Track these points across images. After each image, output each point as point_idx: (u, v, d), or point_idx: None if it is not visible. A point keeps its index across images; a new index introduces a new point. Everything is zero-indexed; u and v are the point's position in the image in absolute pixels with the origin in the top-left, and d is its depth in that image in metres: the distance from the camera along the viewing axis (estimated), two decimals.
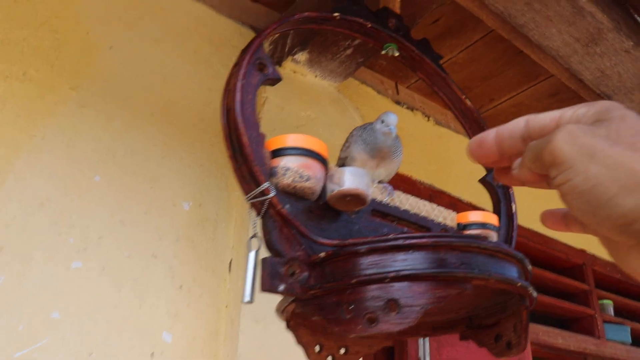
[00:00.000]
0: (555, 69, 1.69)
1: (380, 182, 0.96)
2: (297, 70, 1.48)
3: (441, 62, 1.12)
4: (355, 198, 0.77)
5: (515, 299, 0.77)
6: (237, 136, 0.73)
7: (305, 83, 1.49)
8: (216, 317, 1.21)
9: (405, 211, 0.91)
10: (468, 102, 1.13)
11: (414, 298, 0.65)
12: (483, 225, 0.99)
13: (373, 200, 0.87)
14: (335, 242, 0.71)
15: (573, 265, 2.32)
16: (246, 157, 0.72)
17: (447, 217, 0.98)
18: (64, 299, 1.04)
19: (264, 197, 0.72)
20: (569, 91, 1.81)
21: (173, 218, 1.23)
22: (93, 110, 1.19)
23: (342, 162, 0.99)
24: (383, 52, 1.05)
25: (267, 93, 1.40)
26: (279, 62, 1.47)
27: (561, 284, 2.21)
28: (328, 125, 1.50)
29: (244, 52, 0.80)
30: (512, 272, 0.71)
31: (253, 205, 0.74)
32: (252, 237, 0.73)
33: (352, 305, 0.68)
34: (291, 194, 0.75)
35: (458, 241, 0.68)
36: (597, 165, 0.32)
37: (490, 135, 0.41)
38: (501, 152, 0.41)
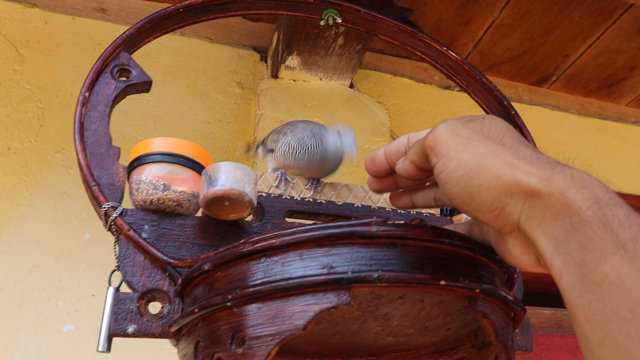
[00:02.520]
0: None
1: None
2: (296, 77, 1.33)
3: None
4: (234, 201, 0.59)
5: (463, 305, 0.52)
6: (77, 157, 0.61)
7: (310, 89, 1.34)
8: None
9: (347, 205, 0.70)
10: (453, 54, 0.88)
11: (263, 326, 0.46)
12: None
13: (288, 199, 0.68)
14: (188, 261, 0.55)
15: None
16: (83, 178, 0.60)
17: None
18: None
19: (109, 220, 0.58)
20: None
21: None
22: None
23: (263, 149, 0.81)
24: (322, 22, 0.86)
25: (263, 109, 1.27)
26: (276, 75, 1.34)
27: None
28: None
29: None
30: (428, 267, 0.47)
31: (111, 232, 0.61)
32: (113, 270, 0.60)
33: (203, 343, 0.50)
34: (153, 210, 0.61)
35: (329, 232, 0.47)
36: (471, 153, 0.36)
37: (380, 152, 0.47)
38: (391, 165, 0.47)
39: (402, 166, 0.44)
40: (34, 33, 1.29)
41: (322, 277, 0.45)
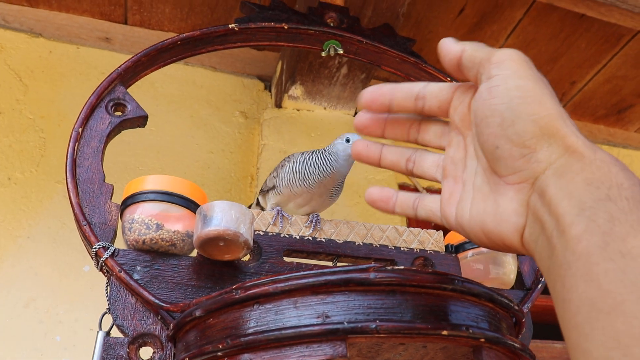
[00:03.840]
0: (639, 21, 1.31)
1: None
2: (300, 107, 1.32)
3: None
4: (229, 242, 0.57)
5: (468, 351, 0.49)
6: (68, 195, 0.60)
7: (314, 119, 1.32)
8: None
9: (348, 243, 0.67)
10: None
11: None
12: None
13: (287, 237, 0.66)
14: (180, 305, 0.52)
15: None
16: (75, 217, 0.58)
17: (427, 239, 0.71)
18: None
19: (100, 261, 0.56)
20: None
21: None
22: None
23: (264, 191, 0.79)
24: (323, 53, 0.85)
25: (266, 140, 1.26)
26: (279, 105, 1.33)
27: None
28: None
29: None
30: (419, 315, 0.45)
31: (102, 273, 0.59)
32: (104, 313, 0.58)
33: None
34: (146, 250, 0.59)
35: (325, 279, 0.44)
36: (538, 85, 0.35)
37: (387, 85, 0.42)
38: (391, 102, 0.42)
39: (448, 47, 0.39)
40: (39, 63, 1.30)
41: (316, 328, 0.43)
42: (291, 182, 0.73)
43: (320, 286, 0.44)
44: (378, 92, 0.42)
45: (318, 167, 0.73)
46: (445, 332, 0.44)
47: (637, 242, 0.28)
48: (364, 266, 0.45)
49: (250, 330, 0.45)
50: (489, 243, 0.38)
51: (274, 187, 0.75)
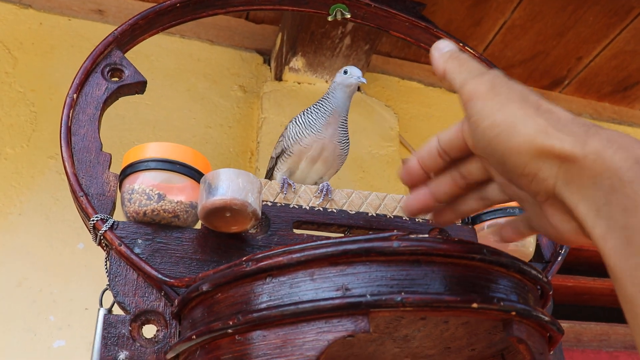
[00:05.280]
0: None
1: (318, 182, 0.71)
2: (301, 79, 1.28)
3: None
4: (236, 212, 0.53)
5: (498, 329, 0.46)
6: (63, 164, 0.56)
7: (315, 92, 1.28)
8: None
9: (361, 214, 0.64)
10: (470, 51, 0.83)
11: (269, 357, 0.40)
12: (504, 211, 0.68)
13: (296, 208, 0.62)
14: (185, 280, 0.49)
15: None
16: (71, 187, 0.54)
17: None
18: None
19: (98, 234, 0.53)
20: None
21: None
22: None
23: (274, 163, 0.76)
24: (329, 18, 0.81)
25: (266, 113, 1.22)
26: (280, 78, 1.28)
27: None
28: (353, 132, 1.26)
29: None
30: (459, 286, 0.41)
31: (101, 247, 0.55)
32: (104, 290, 0.54)
33: None
34: (147, 222, 0.55)
35: (344, 248, 0.41)
36: (505, 114, 0.34)
37: (413, 161, 0.43)
38: (426, 172, 0.42)
39: (434, 61, 0.40)
40: (28, 34, 1.24)
41: (336, 301, 0.39)
42: (298, 134, 0.73)
43: (339, 256, 0.41)
44: (410, 172, 0.42)
45: (319, 109, 0.75)
46: (475, 305, 0.40)
47: None
48: (386, 234, 0.41)
49: (263, 305, 0.41)
50: (573, 244, 0.38)
51: (283, 152, 0.73)
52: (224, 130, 1.26)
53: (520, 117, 0.34)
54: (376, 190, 1.23)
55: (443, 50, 0.41)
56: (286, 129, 0.77)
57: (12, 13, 1.25)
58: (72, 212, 1.06)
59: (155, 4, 0.70)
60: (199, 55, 1.34)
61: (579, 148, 0.31)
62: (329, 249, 0.41)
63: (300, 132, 0.74)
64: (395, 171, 1.25)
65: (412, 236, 0.42)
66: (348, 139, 0.78)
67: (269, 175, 0.81)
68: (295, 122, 0.76)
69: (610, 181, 0.30)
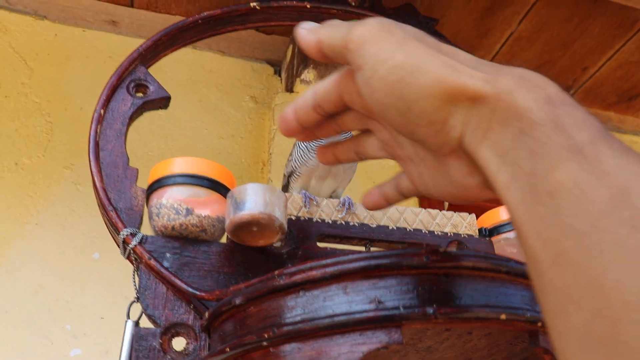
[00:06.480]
0: None
1: (332, 195, 0.72)
2: None
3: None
4: (263, 227, 0.55)
5: (524, 340, 0.47)
6: (92, 179, 0.57)
7: None
8: None
9: (381, 227, 0.65)
10: None
11: None
12: None
13: (319, 222, 0.63)
14: (215, 293, 0.50)
15: None
16: (99, 202, 0.56)
17: (460, 223, 0.69)
18: None
19: (128, 248, 0.54)
20: None
21: None
22: (89, 185, 1.13)
23: (287, 181, 0.77)
24: None
25: (278, 124, 1.23)
26: (291, 89, 1.30)
27: None
28: None
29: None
30: (500, 297, 0.43)
31: (130, 261, 0.57)
32: (132, 302, 0.55)
33: None
34: (175, 237, 0.56)
35: (378, 262, 0.42)
36: (407, 53, 0.30)
37: (289, 113, 0.39)
38: (301, 124, 0.39)
39: (303, 39, 0.35)
40: (44, 45, 1.26)
41: (370, 314, 0.41)
42: (303, 157, 0.73)
43: (372, 270, 0.42)
44: (287, 124, 0.39)
45: None
46: (503, 317, 0.42)
47: (563, 176, 0.24)
48: (417, 249, 0.43)
49: (298, 318, 0.43)
50: (476, 200, 0.34)
51: (292, 173, 0.74)
52: (235, 141, 1.28)
53: (424, 56, 0.30)
54: None
55: (309, 26, 0.36)
56: (292, 151, 0.77)
57: (28, 24, 1.27)
58: (87, 222, 1.08)
59: (179, 21, 0.72)
60: (211, 66, 1.36)
61: (490, 87, 0.28)
62: (362, 263, 0.42)
63: (305, 154, 0.74)
64: None
65: (442, 250, 0.43)
66: None
67: (285, 191, 0.83)
68: (299, 145, 0.75)
69: (520, 123, 0.27)
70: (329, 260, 0.43)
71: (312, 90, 0.37)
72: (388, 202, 0.40)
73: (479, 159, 0.29)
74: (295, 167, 0.74)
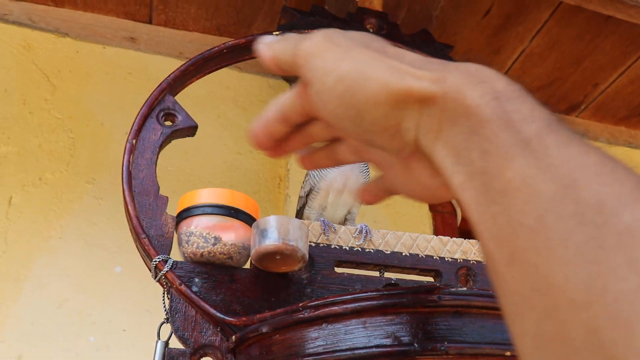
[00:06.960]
0: None
1: (347, 217, 0.75)
2: None
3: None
4: (286, 256, 0.58)
5: None
6: (125, 207, 0.60)
7: None
8: None
9: (395, 254, 0.68)
10: None
11: None
12: None
13: (337, 249, 0.66)
14: (243, 319, 0.53)
15: None
16: (133, 229, 0.59)
17: (469, 250, 0.72)
18: None
19: (159, 274, 0.57)
20: None
21: None
22: (110, 200, 1.17)
23: (303, 203, 0.80)
24: None
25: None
26: None
27: None
28: None
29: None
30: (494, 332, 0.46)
31: (160, 284, 0.60)
32: (162, 323, 0.59)
33: None
34: (203, 263, 0.60)
35: (395, 301, 0.45)
36: (351, 62, 0.30)
37: (257, 124, 0.40)
38: (270, 136, 0.39)
39: (261, 54, 0.36)
40: (65, 62, 1.30)
41: (388, 349, 0.44)
42: (322, 172, 0.76)
43: (390, 307, 0.45)
44: (256, 134, 0.39)
45: None
46: (508, 353, 0.45)
47: (511, 173, 0.24)
48: (431, 288, 0.46)
49: (320, 349, 0.46)
50: (444, 199, 0.35)
51: (311, 190, 0.77)
52: (253, 157, 1.31)
53: (367, 62, 0.29)
54: (401, 217, 1.27)
55: (267, 40, 0.36)
56: (305, 182, 0.81)
57: (50, 42, 1.31)
58: (109, 236, 1.11)
59: (205, 51, 0.75)
60: (228, 83, 1.40)
61: (438, 86, 0.27)
62: (381, 301, 0.45)
63: (323, 169, 0.77)
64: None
65: (453, 290, 0.46)
66: (368, 167, 0.82)
67: (300, 214, 0.85)
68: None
69: (469, 122, 0.26)
70: (348, 297, 0.46)
71: (277, 102, 0.38)
72: (378, 199, 0.40)
73: (435, 160, 0.29)
74: (315, 183, 0.78)
